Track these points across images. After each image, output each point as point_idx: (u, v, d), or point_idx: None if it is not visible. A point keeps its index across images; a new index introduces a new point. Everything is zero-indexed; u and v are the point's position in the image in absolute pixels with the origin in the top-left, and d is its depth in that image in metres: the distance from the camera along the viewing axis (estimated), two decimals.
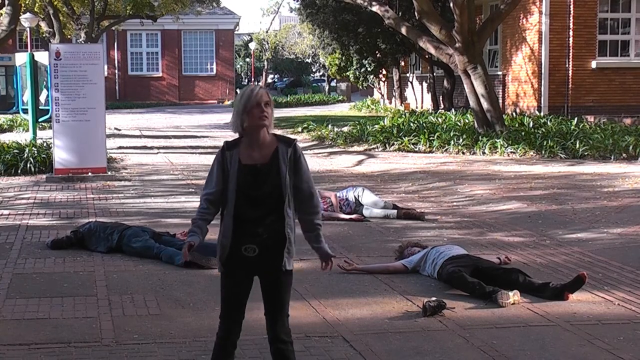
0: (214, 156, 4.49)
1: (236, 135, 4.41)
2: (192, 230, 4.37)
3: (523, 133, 18.28)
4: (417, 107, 31.34)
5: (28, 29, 29.68)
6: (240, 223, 4.27)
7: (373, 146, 19.35)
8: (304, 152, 4.45)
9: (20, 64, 19.00)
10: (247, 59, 67.90)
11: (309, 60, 66.96)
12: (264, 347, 5.33)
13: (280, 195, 4.26)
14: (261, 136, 4.31)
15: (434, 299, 6.35)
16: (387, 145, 19.16)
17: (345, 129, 22.52)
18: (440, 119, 22.14)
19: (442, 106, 27.95)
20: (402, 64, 34.02)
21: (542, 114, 22.20)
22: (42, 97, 17.22)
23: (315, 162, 17.17)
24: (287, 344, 4.37)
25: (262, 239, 4.25)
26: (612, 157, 16.07)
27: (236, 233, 4.27)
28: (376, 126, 21.30)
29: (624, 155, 16.08)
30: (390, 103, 35.72)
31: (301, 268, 7.66)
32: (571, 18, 22.58)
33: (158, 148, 20.84)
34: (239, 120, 4.29)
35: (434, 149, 18.27)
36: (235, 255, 4.29)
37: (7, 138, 19.75)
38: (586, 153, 16.47)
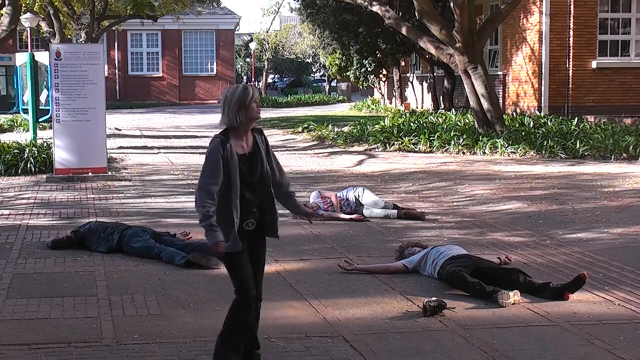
0: None
1: (218, 130, 4.94)
2: (212, 227, 4.78)
3: (523, 133, 18.28)
4: (417, 107, 31.33)
5: (28, 29, 29.69)
6: (242, 205, 4.88)
7: (373, 146, 19.34)
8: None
9: (20, 64, 18.97)
10: (248, 59, 67.90)
11: (309, 60, 66.94)
12: (266, 345, 5.36)
13: (267, 178, 4.96)
14: (249, 129, 4.94)
15: (434, 299, 6.35)
16: (387, 145, 19.16)
17: (345, 129, 22.51)
18: (440, 119, 22.15)
19: (442, 106, 27.94)
20: (403, 64, 34.00)
21: (542, 114, 22.20)
22: (43, 97, 17.20)
23: (316, 162, 17.15)
24: (261, 301, 5.14)
25: (256, 215, 4.97)
26: (613, 157, 16.07)
27: (241, 213, 4.88)
28: (376, 126, 21.29)
29: (624, 155, 16.08)
30: (391, 103, 35.71)
31: (301, 268, 7.67)
32: (571, 18, 22.59)
33: (158, 148, 20.84)
34: (237, 114, 4.83)
35: (434, 149, 18.27)
36: (239, 230, 4.87)
37: (7, 138, 19.75)
38: (586, 153, 16.47)
